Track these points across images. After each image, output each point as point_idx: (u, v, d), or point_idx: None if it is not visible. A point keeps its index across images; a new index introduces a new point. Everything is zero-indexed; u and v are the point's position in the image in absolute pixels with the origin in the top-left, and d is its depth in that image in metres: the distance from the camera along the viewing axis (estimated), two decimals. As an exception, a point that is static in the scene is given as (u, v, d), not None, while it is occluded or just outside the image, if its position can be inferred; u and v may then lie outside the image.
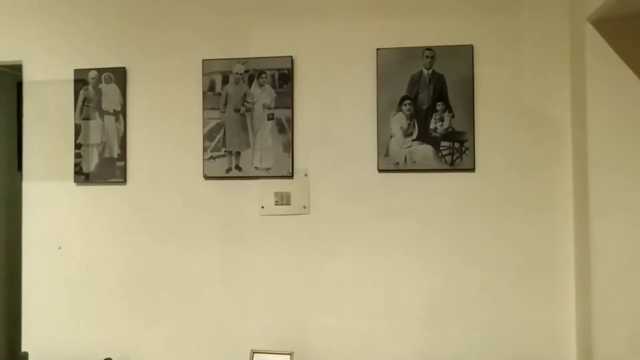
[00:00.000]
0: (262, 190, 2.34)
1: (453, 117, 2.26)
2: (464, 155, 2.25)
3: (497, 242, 2.25)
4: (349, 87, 2.33)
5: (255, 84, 2.34)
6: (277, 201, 2.32)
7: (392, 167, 2.27)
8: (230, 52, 2.39)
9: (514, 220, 2.25)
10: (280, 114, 2.32)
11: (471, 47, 2.26)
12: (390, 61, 2.28)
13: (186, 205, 2.43)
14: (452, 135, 2.25)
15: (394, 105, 2.29)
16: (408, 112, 2.28)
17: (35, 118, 2.53)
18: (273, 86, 2.32)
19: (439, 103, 2.27)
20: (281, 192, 2.31)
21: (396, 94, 2.29)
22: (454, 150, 2.25)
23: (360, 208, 2.31)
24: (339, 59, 2.33)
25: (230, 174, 2.36)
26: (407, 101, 2.28)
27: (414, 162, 2.27)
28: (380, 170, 2.30)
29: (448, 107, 2.26)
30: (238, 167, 2.34)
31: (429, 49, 2.28)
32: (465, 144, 2.25)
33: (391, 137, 2.28)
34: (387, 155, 2.27)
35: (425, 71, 2.28)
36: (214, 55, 2.40)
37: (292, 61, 2.35)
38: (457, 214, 2.28)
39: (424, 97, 2.27)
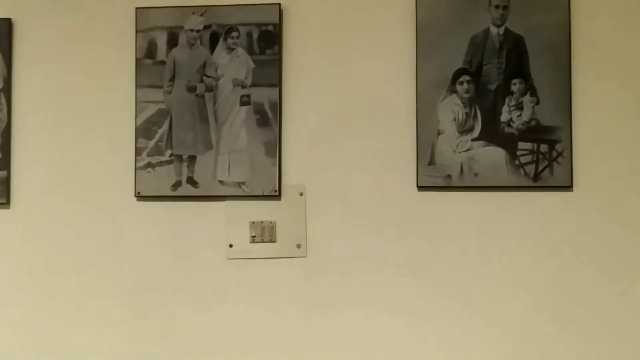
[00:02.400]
0: (231, 219, 2.01)
1: (538, 103, 1.88)
2: (555, 163, 1.86)
3: (607, 300, 1.87)
4: (371, 53, 1.99)
5: (220, 47, 2.00)
6: (254, 236, 1.97)
7: (441, 183, 1.91)
8: (182, -3, 2.06)
9: (635, 266, 1.87)
10: (261, 95, 1.99)
11: (567, -10, 1.87)
12: (437, 13, 1.93)
13: (107, 242, 2.05)
14: (537, 132, 1.88)
15: (444, 84, 1.92)
16: (466, 95, 1.91)
17: None
18: (250, 51, 1.99)
19: (515, 81, 1.89)
20: (261, 222, 1.97)
21: (447, 65, 1.92)
22: (539, 156, 1.88)
23: (389, 247, 1.96)
24: (355, 10, 2.00)
25: (178, 192, 2.00)
26: (465, 77, 1.91)
27: (476, 174, 1.89)
28: (420, 188, 1.92)
29: (530, 88, 1.88)
30: (192, 181, 1.99)
31: (500, -6, 1.89)
32: (558, 147, 1.86)
33: (439, 134, 1.92)
34: (431, 163, 1.91)
35: (494, 30, 1.90)
36: (155, 1, 2.03)
37: (281, 12, 1.99)
38: (544, 255, 1.90)
39: (492, 70, 1.90)
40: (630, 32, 1.87)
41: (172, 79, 1.97)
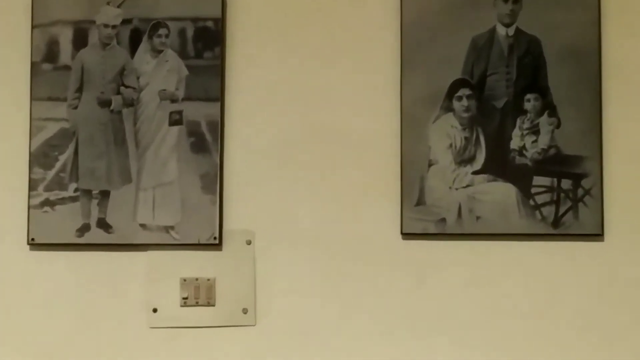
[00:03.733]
0: (156, 275, 1.79)
1: (558, 125, 1.70)
2: (581, 204, 1.67)
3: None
4: (342, 59, 1.79)
5: (144, 48, 1.79)
6: (186, 298, 1.75)
7: (432, 229, 1.72)
8: (93, -17, 1.90)
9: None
10: (197, 112, 1.78)
11: (594, -14, 1.75)
12: (429, 8, 1.75)
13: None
14: (558, 163, 1.69)
15: (437, 100, 1.74)
16: (466, 115, 1.74)
17: None
18: (182, 54, 1.79)
19: (529, 96, 1.71)
20: (196, 279, 1.77)
21: (441, 75, 1.75)
22: (560, 194, 1.68)
23: (365, 312, 1.74)
24: (320, 3, 1.80)
25: (86, 239, 1.75)
26: (465, 91, 1.74)
27: (478, 218, 1.71)
28: (405, 235, 1.72)
29: (548, 105, 1.69)
30: (104, 225, 1.76)
31: (510, -12, 1.76)
32: (585, 183, 1.68)
33: (430, 165, 1.75)
34: (420, 203, 1.73)
35: (501, 30, 1.73)
36: (58, -11, 1.89)
37: (224, 4, 1.79)
38: (566, 321, 1.69)
39: (500, 82, 1.73)
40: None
41: (80, 89, 1.74)
